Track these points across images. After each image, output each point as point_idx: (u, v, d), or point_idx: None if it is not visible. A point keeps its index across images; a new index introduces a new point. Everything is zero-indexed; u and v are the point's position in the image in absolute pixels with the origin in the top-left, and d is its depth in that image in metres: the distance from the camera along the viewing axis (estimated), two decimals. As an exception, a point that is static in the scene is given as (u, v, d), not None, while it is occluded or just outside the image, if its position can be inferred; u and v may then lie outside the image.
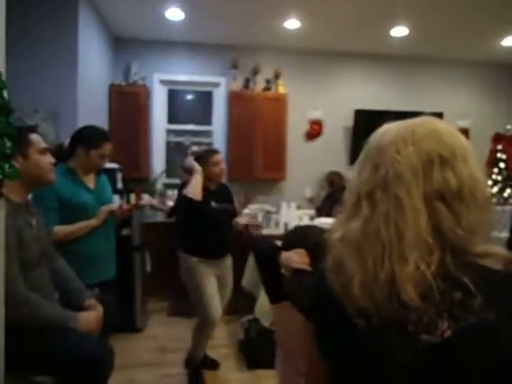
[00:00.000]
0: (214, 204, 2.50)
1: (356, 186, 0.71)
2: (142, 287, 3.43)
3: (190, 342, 2.66)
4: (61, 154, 2.23)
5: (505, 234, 4.72)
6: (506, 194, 5.00)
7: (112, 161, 4.01)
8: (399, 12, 3.76)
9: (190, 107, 5.05)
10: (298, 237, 1.43)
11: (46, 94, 3.18)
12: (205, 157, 2.54)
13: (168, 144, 4.86)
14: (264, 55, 4.74)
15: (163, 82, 4.68)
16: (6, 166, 1.10)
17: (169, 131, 4.84)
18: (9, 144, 1.10)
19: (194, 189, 2.39)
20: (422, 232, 0.60)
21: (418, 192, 0.62)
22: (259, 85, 4.67)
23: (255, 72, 4.65)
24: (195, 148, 3.27)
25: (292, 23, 4.04)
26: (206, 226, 2.49)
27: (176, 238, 2.88)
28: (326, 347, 0.75)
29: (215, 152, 2.62)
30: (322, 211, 4.01)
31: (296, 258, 1.32)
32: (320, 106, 4.89)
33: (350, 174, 0.79)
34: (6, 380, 1.22)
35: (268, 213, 4.04)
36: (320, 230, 1.41)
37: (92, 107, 3.68)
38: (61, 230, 1.98)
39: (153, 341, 3.22)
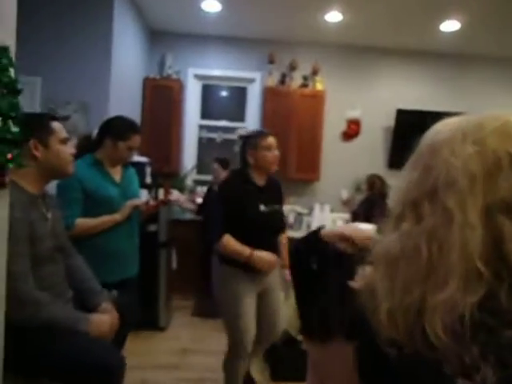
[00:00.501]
0: (263, 208, 1.99)
1: (401, 193, 0.59)
2: (167, 285, 3.35)
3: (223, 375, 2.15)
4: (88, 145, 2.16)
5: None
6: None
7: (142, 154, 3.97)
8: (451, 4, 3.48)
9: (223, 103, 4.94)
10: None
11: (79, 85, 3.15)
12: (254, 139, 2.02)
13: (200, 140, 4.77)
14: (302, 50, 4.55)
15: (197, 77, 4.59)
16: (11, 152, 0.99)
17: (201, 127, 4.75)
18: (14, 129, 0.99)
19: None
20: (472, 253, 0.48)
21: (475, 203, 0.50)
22: (296, 81, 4.48)
23: (292, 68, 4.47)
24: (242, 131, 2.94)
25: (333, 16, 3.83)
26: (251, 233, 1.95)
27: (207, 241, 2.42)
28: (363, 376, 0.66)
29: (267, 134, 2.04)
30: (357, 216, 3.79)
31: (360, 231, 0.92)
32: (359, 104, 4.65)
33: (393, 179, 0.62)
34: (4, 380, 1.12)
35: (299, 214, 3.87)
36: None
37: (124, 99, 3.63)
38: (83, 223, 1.89)
39: (175, 341, 3.12)
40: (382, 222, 0.63)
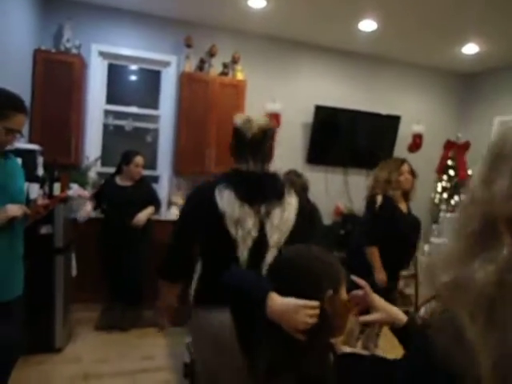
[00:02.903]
0: None
1: (485, 204, 0.45)
2: (65, 296, 2.83)
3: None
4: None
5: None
6: (453, 202, 5.03)
7: (32, 141, 3.34)
8: (369, 3, 3.51)
9: (133, 87, 4.43)
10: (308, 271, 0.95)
11: None
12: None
13: (106, 127, 4.20)
14: (222, 36, 4.27)
15: (103, 55, 4.02)
16: None
17: (107, 112, 4.18)
18: None
19: None
20: None
21: None
22: (215, 68, 4.19)
23: (211, 54, 4.16)
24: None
25: (256, 2, 3.62)
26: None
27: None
28: None
29: None
30: None
31: (302, 317, 0.87)
32: (279, 98, 4.54)
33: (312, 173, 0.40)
34: None
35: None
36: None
37: (8, 73, 2.96)
38: None
39: (74, 364, 2.64)
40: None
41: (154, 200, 3.36)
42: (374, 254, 2.55)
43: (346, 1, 3.46)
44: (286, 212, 1.41)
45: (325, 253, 1.01)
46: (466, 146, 5.14)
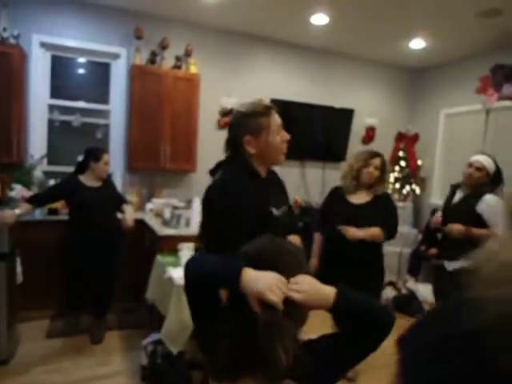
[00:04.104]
0: (275, 211, 1.49)
1: None
2: (9, 304, 2.64)
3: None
4: None
5: (407, 229, 4.96)
6: (405, 191, 5.24)
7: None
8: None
9: (81, 80, 4.21)
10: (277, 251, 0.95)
11: None
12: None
13: (51, 123, 3.96)
14: (174, 29, 4.14)
15: (45, 46, 3.77)
16: None
17: (52, 107, 3.94)
18: None
19: None
20: None
21: None
22: (168, 61, 4.06)
23: (163, 46, 4.03)
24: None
25: (208, -7, 3.54)
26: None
27: None
28: None
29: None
30: None
31: (276, 288, 0.85)
32: (234, 92, 4.49)
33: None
34: None
35: (175, 208, 3.52)
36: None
37: None
38: None
39: (23, 376, 2.48)
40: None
41: (123, 199, 3.20)
42: (315, 240, 2.72)
43: (298, -6, 3.46)
44: None
45: (289, 243, 1.01)
46: (415, 138, 5.36)
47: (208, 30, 4.29)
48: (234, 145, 1.52)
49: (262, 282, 0.85)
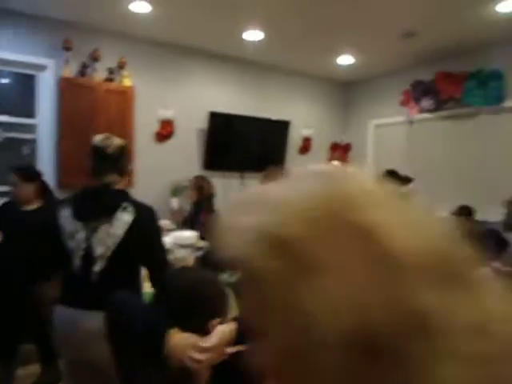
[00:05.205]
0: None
1: None
2: None
3: None
4: None
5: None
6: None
7: None
8: (253, 14, 3.65)
9: (3, 93, 3.94)
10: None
11: None
12: None
13: (-31, 138, 3.67)
14: (106, 40, 4.03)
15: (-40, 56, 3.50)
16: None
17: (-30, 122, 3.65)
18: None
19: None
20: None
21: None
22: (99, 74, 3.94)
23: (94, 58, 3.91)
24: None
25: (140, 6, 3.49)
26: None
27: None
28: None
29: None
30: (186, 222, 3.67)
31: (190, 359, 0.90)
32: (172, 104, 4.46)
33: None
34: None
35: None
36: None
37: None
38: None
39: None
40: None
41: None
42: None
43: (231, 10, 3.54)
44: (113, 228, 1.64)
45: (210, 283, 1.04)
46: (348, 148, 5.67)
47: (141, 42, 4.23)
48: None
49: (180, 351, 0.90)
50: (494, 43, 3.99)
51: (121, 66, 4.01)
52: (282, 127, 5.14)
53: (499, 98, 3.97)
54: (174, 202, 4.26)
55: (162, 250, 1.86)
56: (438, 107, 4.52)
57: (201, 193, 3.81)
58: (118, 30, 4.02)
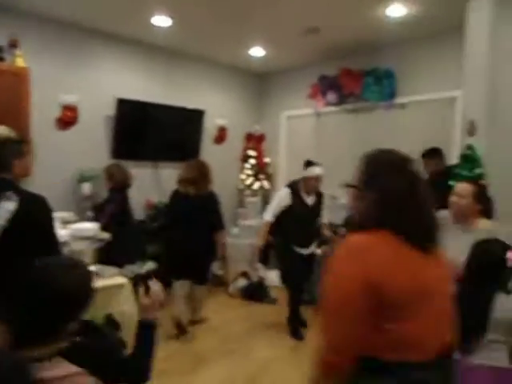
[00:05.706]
0: None
1: None
2: None
3: None
4: None
5: (258, 222, 5.37)
6: (256, 187, 5.67)
7: None
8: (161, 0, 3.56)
9: None
10: None
11: None
12: None
13: None
14: (-7, 14, 3.64)
15: None
16: None
17: None
18: None
19: None
20: None
21: None
22: (-14, 52, 3.55)
23: (-21, 34, 3.51)
24: None
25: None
26: None
27: None
28: None
29: None
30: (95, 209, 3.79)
31: None
32: (76, 89, 4.19)
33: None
34: None
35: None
36: None
37: None
38: None
39: None
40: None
41: None
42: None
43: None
44: None
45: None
46: (262, 138, 5.84)
47: (37, 20, 3.89)
48: None
49: None
50: (386, 44, 4.39)
51: (13, 45, 3.66)
52: (196, 116, 5.11)
53: (391, 95, 4.38)
54: (86, 188, 4.11)
55: (52, 241, 1.81)
56: (341, 101, 4.85)
57: (112, 180, 3.76)
58: (8, 5, 3.65)
